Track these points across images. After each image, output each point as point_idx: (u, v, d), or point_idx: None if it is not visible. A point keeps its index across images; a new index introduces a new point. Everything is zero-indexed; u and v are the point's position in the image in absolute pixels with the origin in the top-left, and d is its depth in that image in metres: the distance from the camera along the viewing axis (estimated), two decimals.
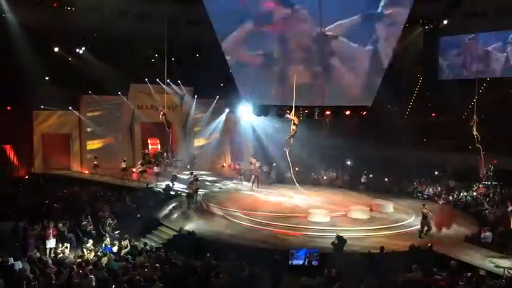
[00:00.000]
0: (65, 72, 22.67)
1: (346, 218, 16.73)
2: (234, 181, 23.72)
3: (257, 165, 22.80)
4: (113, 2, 23.69)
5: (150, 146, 27.11)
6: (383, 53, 10.68)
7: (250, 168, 23.07)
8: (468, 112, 15.75)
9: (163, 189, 20.73)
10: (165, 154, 26.80)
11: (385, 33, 10.40)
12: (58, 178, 22.91)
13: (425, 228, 14.68)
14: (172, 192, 20.14)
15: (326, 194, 20.83)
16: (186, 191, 18.53)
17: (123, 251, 13.33)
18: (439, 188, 22.41)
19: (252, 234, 15.01)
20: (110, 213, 16.47)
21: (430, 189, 22.48)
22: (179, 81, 26.57)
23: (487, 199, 19.54)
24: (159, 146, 27.64)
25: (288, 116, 14.27)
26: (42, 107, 23.98)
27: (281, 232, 15.12)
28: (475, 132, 14.73)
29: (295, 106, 14.01)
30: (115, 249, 13.60)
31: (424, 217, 14.84)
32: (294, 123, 13.88)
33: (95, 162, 24.03)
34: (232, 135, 29.84)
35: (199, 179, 20.34)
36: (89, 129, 25.55)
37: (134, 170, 24.28)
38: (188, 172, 23.03)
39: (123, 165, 23.47)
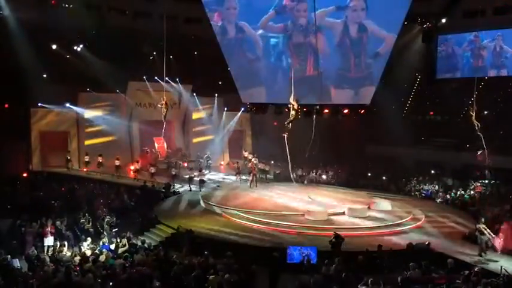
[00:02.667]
0: (63, 69, 22.59)
1: (344, 216, 16.75)
2: (233, 179, 23.76)
3: (255, 162, 22.83)
4: None
5: (156, 145, 27.00)
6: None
7: (247, 165, 23.10)
8: (466, 111, 15.68)
9: (164, 188, 20.79)
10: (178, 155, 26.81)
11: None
12: (56, 176, 22.88)
13: (485, 246, 13.18)
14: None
15: (324, 193, 20.84)
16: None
17: (121, 249, 13.33)
18: (437, 187, 22.47)
19: (250, 232, 15.03)
20: (108, 211, 16.46)
21: (428, 188, 22.53)
22: (177, 79, 26.52)
23: (485, 197, 19.64)
24: (165, 145, 27.57)
25: (289, 103, 14.12)
26: (39, 104, 23.91)
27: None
28: (475, 122, 14.66)
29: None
30: (113, 247, 13.60)
31: (482, 233, 13.36)
32: (294, 109, 13.80)
33: (68, 157, 24.27)
34: (231, 133, 29.83)
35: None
36: (87, 130, 25.48)
37: (132, 168, 24.28)
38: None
39: (137, 166, 24.11)
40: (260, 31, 16.48)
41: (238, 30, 16.59)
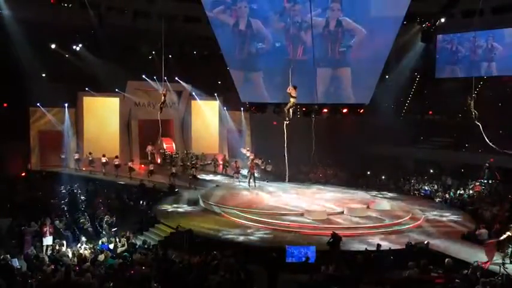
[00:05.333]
0: (62, 69, 22.60)
1: (343, 216, 16.77)
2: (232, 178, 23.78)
3: (255, 162, 22.84)
4: None
5: (164, 145, 26.90)
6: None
7: (247, 164, 23.13)
8: (465, 110, 15.63)
9: (168, 188, 20.79)
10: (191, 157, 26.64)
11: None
12: (55, 175, 22.88)
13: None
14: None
15: (323, 192, 20.87)
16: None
17: (120, 249, 13.33)
18: (436, 186, 22.49)
19: (249, 232, 15.04)
20: (107, 210, 16.45)
21: (427, 187, 22.55)
22: (177, 78, 26.51)
23: (483, 196, 19.67)
24: (173, 146, 27.45)
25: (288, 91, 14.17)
26: (38, 104, 23.91)
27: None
28: (472, 110, 14.57)
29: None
30: (112, 246, 13.60)
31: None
32: (292, 96, 13.85)
33: (62, 156, 24.26)
34: (230, 133, 29.84)
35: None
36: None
37: (131, 166, 24.24)
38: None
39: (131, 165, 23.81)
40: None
41: (248, 24, 18.58)
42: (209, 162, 26.77)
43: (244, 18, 18.36)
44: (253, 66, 19.64)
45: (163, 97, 15.85)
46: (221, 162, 27.52)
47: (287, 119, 14.26)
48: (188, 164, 25.41)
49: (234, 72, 20.15)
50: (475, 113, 14.25)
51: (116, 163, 23.49)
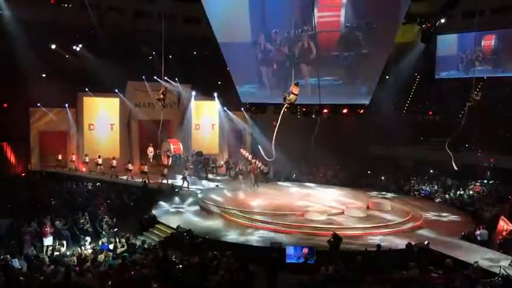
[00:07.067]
0: (62, 69, 22.59)
1: (344, 216, 16.77)
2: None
3: (256, 163, 22.79)
4: None
5: (172, 147, 26.76)
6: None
7: (247, 165, 23.09)
8: (465, 110, 15.62)
9: (168, 189, 20.79)
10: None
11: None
12: (55, 175, 22.87)
13: None
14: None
15: (324, 192, 20.87)
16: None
17: (120, 249, 13.33)
18: (436, 187, 22.48)
19: (248, 232, 15.04)
20: (107, 210, 16.44)
21: (427, 187, 22.53)
22: (177, 79, 26.47)
23: (483, 197, 19.66)
24: (181, 146, 27.36)
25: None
26: (38, 104, 23.90)
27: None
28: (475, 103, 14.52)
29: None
30: (112, 246, 13.60)
31: None
32: (294, 93, 13.75)
33: (59, 157, 24.16)
34: (230, 134, 29.80)
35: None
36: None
37: (130, 167, 24.21)
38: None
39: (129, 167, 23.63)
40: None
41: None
42: (221, 164, 26.67)
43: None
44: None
45: (162, 95, 15.79)
46: (222, 164, 27.48)
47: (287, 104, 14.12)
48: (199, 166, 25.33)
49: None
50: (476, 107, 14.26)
51: (113, 164, 23.46)
